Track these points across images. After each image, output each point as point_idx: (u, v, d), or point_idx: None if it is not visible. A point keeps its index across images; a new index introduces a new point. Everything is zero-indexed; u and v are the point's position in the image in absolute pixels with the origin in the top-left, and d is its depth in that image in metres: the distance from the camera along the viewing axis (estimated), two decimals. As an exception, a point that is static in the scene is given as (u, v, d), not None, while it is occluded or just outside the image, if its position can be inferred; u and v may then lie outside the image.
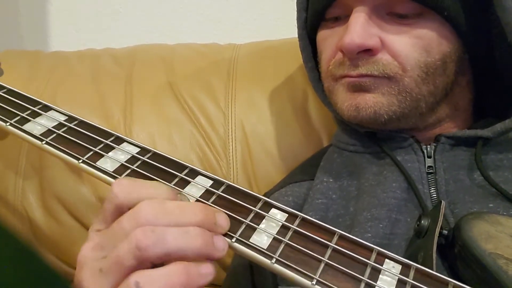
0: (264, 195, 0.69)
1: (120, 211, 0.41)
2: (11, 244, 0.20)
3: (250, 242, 0.42)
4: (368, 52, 0.56)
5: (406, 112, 0.58)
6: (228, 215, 0.43)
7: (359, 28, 0.55)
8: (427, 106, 0.59)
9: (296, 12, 0.69)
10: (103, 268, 0.39)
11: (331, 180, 0.63)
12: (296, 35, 0.70)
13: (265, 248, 0.41)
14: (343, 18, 0.60)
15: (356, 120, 0.59)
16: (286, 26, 0.69)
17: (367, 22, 0.55)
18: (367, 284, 0.38)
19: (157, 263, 0.38)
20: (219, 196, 0.46)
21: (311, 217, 0.57)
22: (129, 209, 0.40)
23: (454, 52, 0.58)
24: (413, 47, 0.56)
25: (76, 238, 0.80)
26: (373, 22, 0.56)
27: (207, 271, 0.39)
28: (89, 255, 0.41)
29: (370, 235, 0.53)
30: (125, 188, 0.42)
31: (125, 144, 0.52)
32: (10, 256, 0.20)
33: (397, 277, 0.39)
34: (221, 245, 0.41)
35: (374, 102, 0.57)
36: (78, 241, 0.80)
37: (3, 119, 0.57)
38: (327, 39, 0.62)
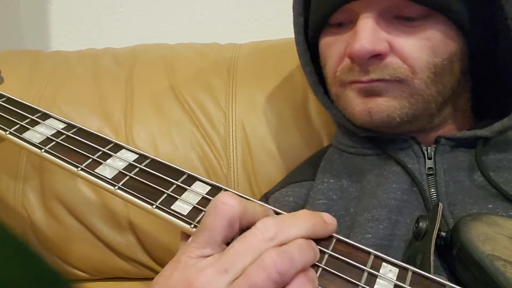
0: (264, 195, 0.70)
1: (234, 225, 0.39)
2: (11, 243, 0.20)
3: None
4: (377, 57, 0.55)
5: (418, 114, 0.57)
6: None
7: (368, 34, 0.54)
8: (436, 107, 0.59)
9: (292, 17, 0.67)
10: None
11: (331, 180, 0.63)
12: (297, 35, 0.69)
13: None
14: (347, 24, 0.59)
15: (369, 125, 0.59)
16: (287, 26, 0.69)
17: (375, 27, 0.55)
18: None
19: None
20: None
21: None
22: (240, 223, 0.39)
23: (459, 51, 0.58)
24: (421, 49, 0.55)
25: (76, 238, 0.80)
26: (380, 27, 0.56)
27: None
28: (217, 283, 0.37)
29: (370, 235, 0.53)
30: (237, 198, 0.40)
31: (123, 151, 0.53)
32: (10, 256, 0.20)
33: (393, 282, 0.39)
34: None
35: (387, 106, 0.56)
36: (78, 241, 0.80)
37: (2, 127, 0.58)
38: (332, 45, 0.61)
